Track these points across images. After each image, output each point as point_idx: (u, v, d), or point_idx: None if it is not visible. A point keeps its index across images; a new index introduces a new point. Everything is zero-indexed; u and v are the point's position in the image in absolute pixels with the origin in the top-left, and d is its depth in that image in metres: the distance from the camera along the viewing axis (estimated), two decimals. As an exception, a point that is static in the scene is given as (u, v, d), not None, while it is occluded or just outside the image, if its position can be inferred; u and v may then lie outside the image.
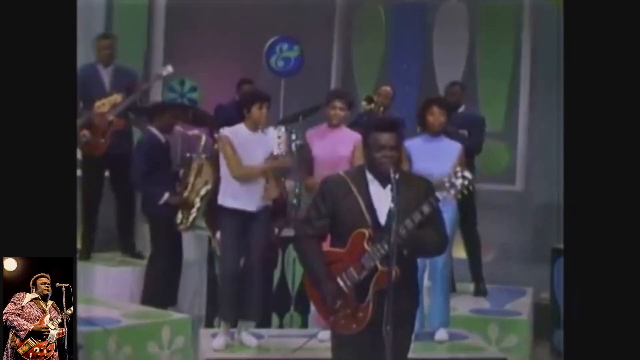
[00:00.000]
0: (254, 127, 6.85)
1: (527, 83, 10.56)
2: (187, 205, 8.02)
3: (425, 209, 4.73)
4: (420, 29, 11.09)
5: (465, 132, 8.41)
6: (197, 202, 8.08)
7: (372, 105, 9.16)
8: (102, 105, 8.63)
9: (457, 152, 7.03)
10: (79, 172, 8.60)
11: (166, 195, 7.95)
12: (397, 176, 4.73)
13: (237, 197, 6.82)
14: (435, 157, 6.84)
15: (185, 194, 8.08)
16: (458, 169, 4.82)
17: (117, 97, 8.69)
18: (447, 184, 4.76)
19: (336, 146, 7.05)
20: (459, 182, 4.75)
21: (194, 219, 8.07)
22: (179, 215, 8.00)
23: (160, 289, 8.08)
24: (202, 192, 8.11)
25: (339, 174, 5.02)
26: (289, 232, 8.09)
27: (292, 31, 10.56)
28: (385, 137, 4.81)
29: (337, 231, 4.91)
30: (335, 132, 7.13)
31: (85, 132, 8.59)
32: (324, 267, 4.86)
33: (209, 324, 7.91)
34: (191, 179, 8.16)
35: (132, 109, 8.77)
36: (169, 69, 8.78)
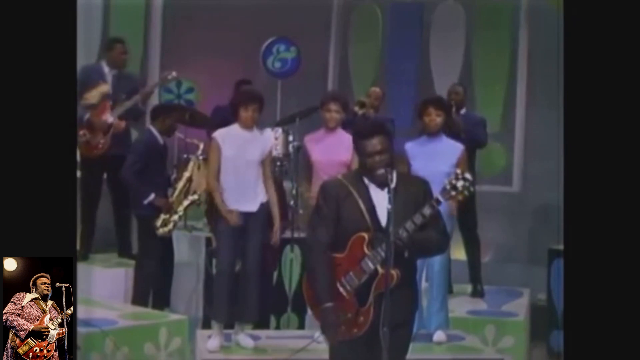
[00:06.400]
0: (246, 128, 6.85)
1: (524, 83, 10.58)
2: (170, 211, 8.00)
3: (427, 211, 4.73)
4: (417, 30, 11.10)
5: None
6: (180, 211, 8.07)
7: (365, 110, 9.15)
8: (92, 96, 8.62)
9: (458, 152, 7.04)
10: (77, 173, 8.62)
11: (152, 196, 7.93)
12: (393, 179, 4.74)
13: (235, 197, 6.82)
14: (434, 157, 6.85)
15: (172, 198, 8.08)
16: (458, 171, 4.83)
17: (104, 87, 8.69)
18: (448, 186, 4.77)
19: (335, 150, 7.03)
20: (460, 183, 4.76)
21: (174, 225, 8.05)
22: (160, 219, 7.97)
23: (148, 290, 8.08)
24: (187, 201, 8.09)
25: (338, 177, 5.01)
26: (287, 234, 8.12)
27: (289, 32, 10.56)
28: (372, 143, 4.79)
29: (337, 235, 4.88)
30: (333, 135, 7.11)
31: (85, 131, 8.59)
32: (331, 281, 4.82)
33: (206, 325, 7.90)
34: (181, 184, 8.15)
35: (133, 111, 8.76)
36: (173, 74, 8.81)
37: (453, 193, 4.76)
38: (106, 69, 8.85)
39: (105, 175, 8.84)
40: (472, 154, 8.51)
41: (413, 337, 5.21)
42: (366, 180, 4.87)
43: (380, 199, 4.81)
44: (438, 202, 4.77)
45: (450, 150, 7.02)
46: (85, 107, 8.56)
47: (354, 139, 4.92)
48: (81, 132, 8.57)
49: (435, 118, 7.05)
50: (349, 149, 7.00)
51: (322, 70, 11.06)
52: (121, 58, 8.89)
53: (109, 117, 8.62)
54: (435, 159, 6.81)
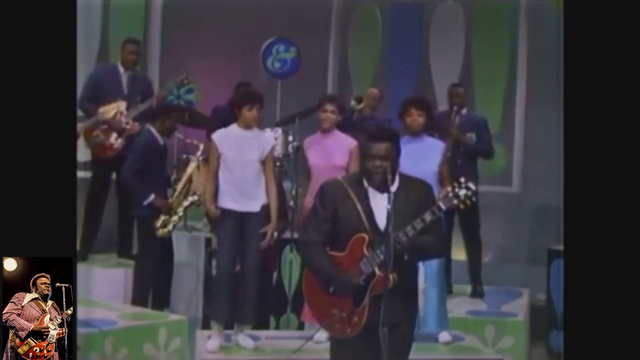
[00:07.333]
0: (246, 128, 6.84)
1: (524, 84, 10.58)
2: (170, 212, 8.00)
3: (428, 217, 4.75)
4: (417, 30, 11.09)
5: (473, 135, 8.45)
6: (180, 212, 8.06)
7: (362, 105, 9.18)
8: (106, 111, 8.63)
9: (440, 151, 7.04)
10: (88, 174, 8.62)
11: (152, 197, 7.92)
12: (394, 183, 4.75)
13: (235, 198, 6.82)
14: (416, 157, 6.78)
15: (172, 199, 8.07)
16: (462, 179, 4.83)
17: (120, 104, 8.68)
18: (450, 194, 4.78)
19: (332, 154, 7.04)
20: (462, 192, 4.77)
21: (174, 226, 8.04)
22: (160, 219, 7.96)
23: (148, 290, 8.07)
24: (187, 202, 8.08)
25: (338, 179, 5.05)
26: (287, 234, 8.12)
27: (289, 32, 10.56)
28: (376, 147, 4.82)
29: (336, 235, 4.91)
30: (329, 138, 7.12)
31: (99, 132, 8.59)
32: (334, 265, 4.86)
33: (206, 325, 7.90)
34: (181, 184, 8.14)
35: (146, 113, 8.74)
36: (189, 77, 8.87)
37: (455, 202, 4.78)
38: (121, 69, 8.86)
39: (114, 176, 8.81)
40: (474, 157, 8.51)
41: (414, 338, 5.22)
42: (366, 184, 4.89)
43: (379, 202, 4.83)
44: (439, 209, 4.78)
45: (432, 149, 7.03)
46: (98, 120, 8.58)
47: (364, 139, 4.93)
48: (95, 133, 8.58)
49: (417, 118, 7.05)
50: (345, 152, 7.04)
51: (322, 71, 11.05)
52: (129, 58, 8.88)
53: (124, 119, 8.63)
54: (418, 159, 6.77)
